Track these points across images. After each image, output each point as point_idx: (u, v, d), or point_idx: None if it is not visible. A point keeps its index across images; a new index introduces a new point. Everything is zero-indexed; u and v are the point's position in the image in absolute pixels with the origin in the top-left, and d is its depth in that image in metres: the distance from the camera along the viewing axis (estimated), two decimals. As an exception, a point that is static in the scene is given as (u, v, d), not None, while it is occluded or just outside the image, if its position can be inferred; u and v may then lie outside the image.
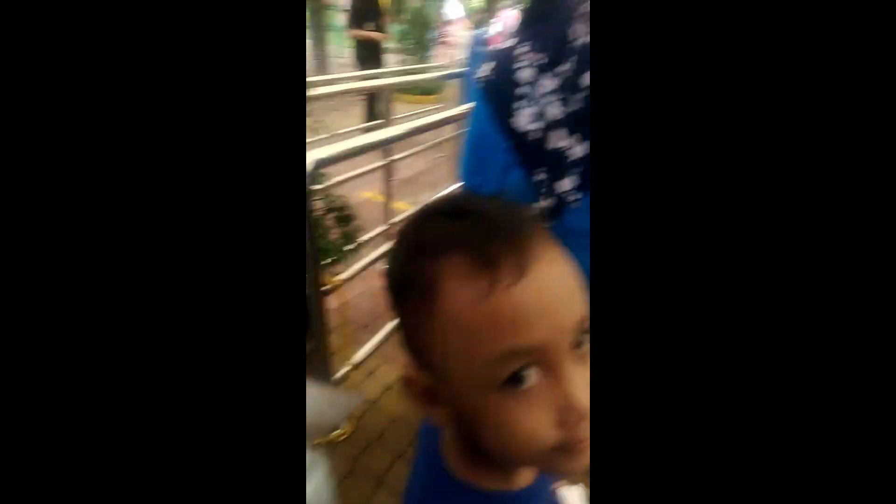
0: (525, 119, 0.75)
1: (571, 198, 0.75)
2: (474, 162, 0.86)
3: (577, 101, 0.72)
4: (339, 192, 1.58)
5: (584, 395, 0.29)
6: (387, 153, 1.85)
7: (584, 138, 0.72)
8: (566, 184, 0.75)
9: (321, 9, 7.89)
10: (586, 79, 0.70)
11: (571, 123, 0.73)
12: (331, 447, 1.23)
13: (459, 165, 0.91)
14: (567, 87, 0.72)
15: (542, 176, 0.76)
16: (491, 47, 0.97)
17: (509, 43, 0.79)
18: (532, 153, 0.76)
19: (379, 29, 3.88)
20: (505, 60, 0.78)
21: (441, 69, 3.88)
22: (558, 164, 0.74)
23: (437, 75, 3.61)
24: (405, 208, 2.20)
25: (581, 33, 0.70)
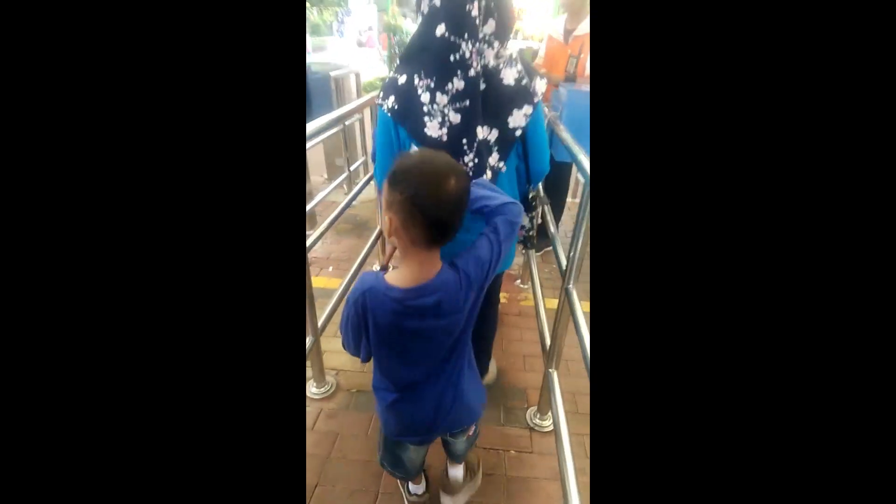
0: (433, 128, 1.01)
1: (500, 166, 1.06)
2: (386, 161, 1.11)
3: (467, 104, 0.99)
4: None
5: None
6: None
7: (491, 128, 1.02)
8: (493, 158, 1.05)
9: None
10: (469, 88, 0.97)
11: (474, 119, 1.00)
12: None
13: (380, 176, 1.13)
14: (457, 97, 0.98)
15: (464, 165, 1.02)
16: (387, 83, 1.08)
17: (403, 79, 1.02)
18: (447, 150, 0.95)
19: None
20: (405, 91, 1.02)
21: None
22: (485, 150, 1.03)
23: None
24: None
25: (453, 51, 0.95)
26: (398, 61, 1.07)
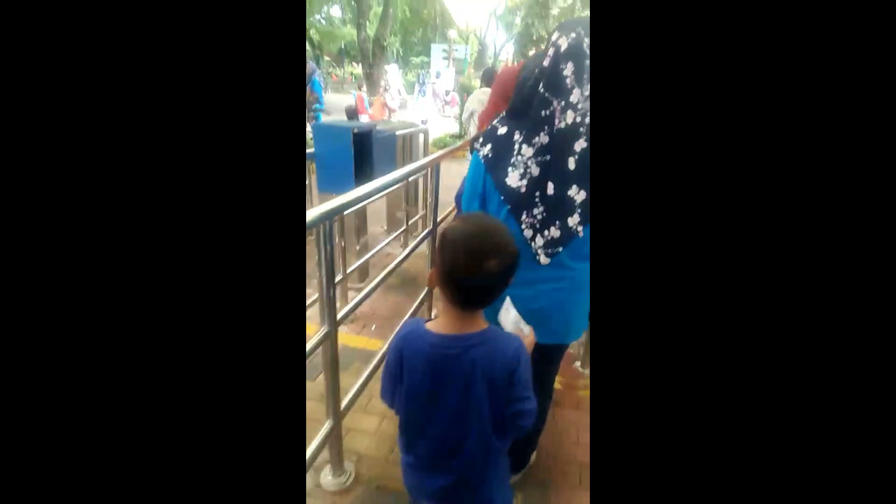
0: (514, 179, 1.05)
1: (578, 229, 1.02)
2: (470, 198, 1.16)
3: (548, 159, 1.02)
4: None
5: None
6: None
7: (580, 189, 1.01)
8: (573, 220, 1.02)
9: None
10: (552, 143, 1.01)
11: (551, 174, 1.02)
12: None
13: (463, 201, 1.20)
14: (541, 151, 1.03)
15: (533, 217, 1.05)
16: (487, 131, 1.11)
17: (504, 130, 1.08)
18: (518, 202, 1.05)
19: None
20: (502, 142, 1.07)
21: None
22: (561, 208, 1.02)
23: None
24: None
25: (545, 107, 1.02)
26: (503, 114, 1.12)
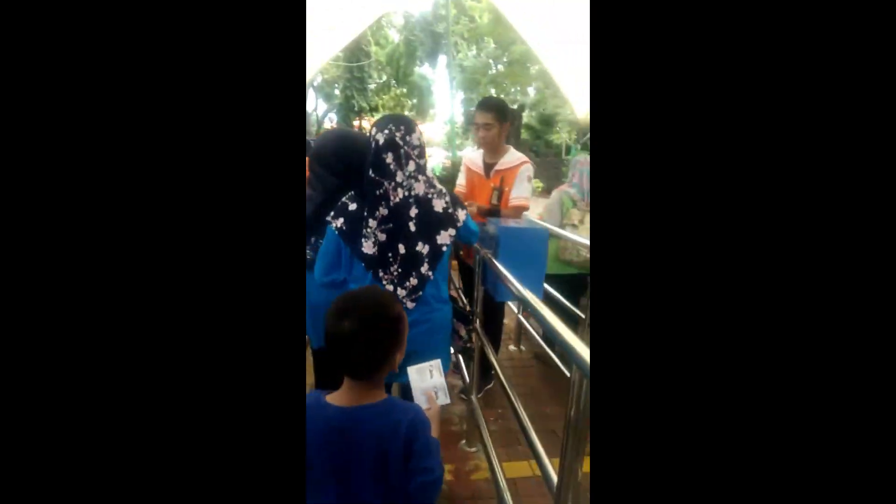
0: (368, 247, 1.28)
1: (429, 274, 1.29)
2: (329, 267, 1.34)
3: (391, 226, 1.26)
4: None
5: None
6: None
7: (424, 244, 1.27)
8: (424, 268, 1.28)
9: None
10: (392, 214, 1.25)
11: (397, 238, 1.27)
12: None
13: (318, 269, 1.37)
14: (383, 221, 1.26)
15: (391, 274, 1.28)
16: (339, 206, 1.32)
17: (354, 206, 1.29)
18: (373, 264, 1.28)
19: None
20: (354, 216, 1.29)
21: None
22: (414, 261, 1.28)
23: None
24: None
25: (378, 187, 1.25)
26: (352, 192, 1.31)
